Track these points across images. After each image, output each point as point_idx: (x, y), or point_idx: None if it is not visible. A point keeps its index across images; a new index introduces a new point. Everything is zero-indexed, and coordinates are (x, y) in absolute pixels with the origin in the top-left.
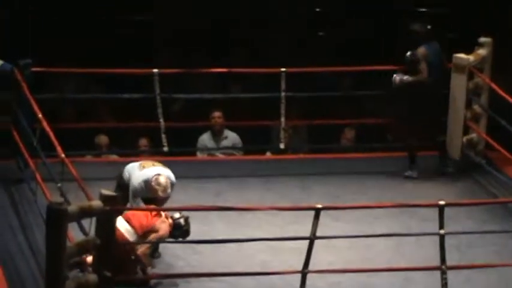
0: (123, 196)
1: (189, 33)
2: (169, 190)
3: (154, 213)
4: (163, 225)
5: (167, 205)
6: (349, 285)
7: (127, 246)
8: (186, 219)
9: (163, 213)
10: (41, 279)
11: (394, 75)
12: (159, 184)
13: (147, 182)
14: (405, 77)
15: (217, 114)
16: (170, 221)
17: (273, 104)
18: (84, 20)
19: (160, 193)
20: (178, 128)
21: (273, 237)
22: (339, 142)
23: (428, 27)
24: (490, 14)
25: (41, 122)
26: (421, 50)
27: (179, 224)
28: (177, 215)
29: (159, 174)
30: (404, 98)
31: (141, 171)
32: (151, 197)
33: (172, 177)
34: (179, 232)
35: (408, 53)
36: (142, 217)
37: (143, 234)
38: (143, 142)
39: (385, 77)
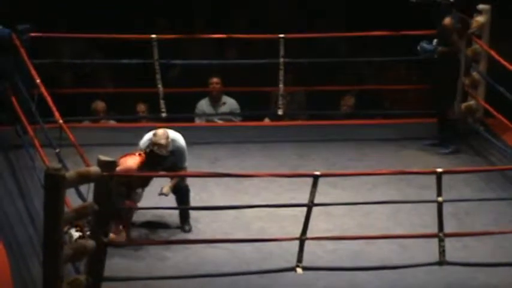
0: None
1: None
2: (162, 141)
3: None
4: (128, 158)
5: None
6: (346, 253)
7: None
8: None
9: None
10: (39, 244)
11: (420, 44)
12: (154, 134)
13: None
14: (430, 47)
15: (215, 80)
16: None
17: (271, 70)
18: None
19: (152, 140)
20: (176, 94)
21: (270, 204)
22: (338, 109)
23: None
24: None
25: (39, 87)
26: (447, 21)
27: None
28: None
29: (161, 128)
30: (442, 69)
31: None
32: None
33: (176, 137)
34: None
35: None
36: None
37: None
38: (141, 108)
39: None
